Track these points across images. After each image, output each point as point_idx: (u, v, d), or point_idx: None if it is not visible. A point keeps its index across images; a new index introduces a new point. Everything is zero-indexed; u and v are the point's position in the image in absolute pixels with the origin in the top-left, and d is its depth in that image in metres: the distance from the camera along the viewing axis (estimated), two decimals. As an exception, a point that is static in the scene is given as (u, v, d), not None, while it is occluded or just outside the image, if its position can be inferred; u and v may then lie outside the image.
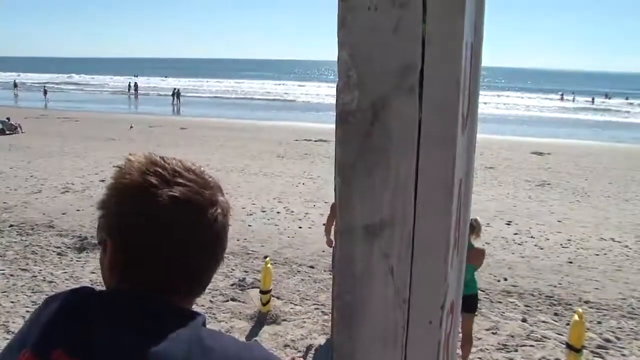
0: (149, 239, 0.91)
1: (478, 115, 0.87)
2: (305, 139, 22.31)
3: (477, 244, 5.00)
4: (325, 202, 11.55)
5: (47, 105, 40.72)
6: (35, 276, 7.19)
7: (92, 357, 0.83)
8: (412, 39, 0.68)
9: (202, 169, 1.03)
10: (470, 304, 4.99)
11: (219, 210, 0.97)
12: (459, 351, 5.03)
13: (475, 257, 4.86)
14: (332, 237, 5.89)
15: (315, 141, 21.88)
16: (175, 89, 49.64)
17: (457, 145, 0.71)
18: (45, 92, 46.64)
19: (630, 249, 9.33)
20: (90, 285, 1.00)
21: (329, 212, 6.22)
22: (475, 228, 4.92)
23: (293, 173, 15.22)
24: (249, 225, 9.47)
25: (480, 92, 0.88)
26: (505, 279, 7.59)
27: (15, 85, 56.34)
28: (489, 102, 51.85)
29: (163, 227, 0.91)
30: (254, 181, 13.95)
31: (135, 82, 62.28)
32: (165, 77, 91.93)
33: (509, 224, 10.30)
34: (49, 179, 13.48)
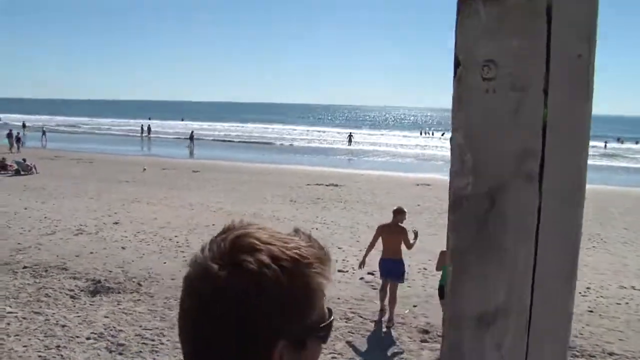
0: None
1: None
2: (316, 184, 22.33)
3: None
4: (339, 248, 11.49)
5: (45, 145, 41.27)
6: (48, 319, 7.13)
7: None
8: (532, 124, 0.66)
9: None
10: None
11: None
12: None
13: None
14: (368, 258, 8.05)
15: (327, 185, 21.90)
16: (191, 131, 50.23)
17: (580, 233, 0.68)
18: (43, 133, 47.00)
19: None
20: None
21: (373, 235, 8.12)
22: None
23: (305, 218, 15.17)
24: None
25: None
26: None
27: (24, 126, 56.91)
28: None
29: None
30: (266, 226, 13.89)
31: (149, 125, 63.02)
32: (182, 119, 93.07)
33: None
34: (63, 221, 13.51)
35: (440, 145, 59.84)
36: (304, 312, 0.82)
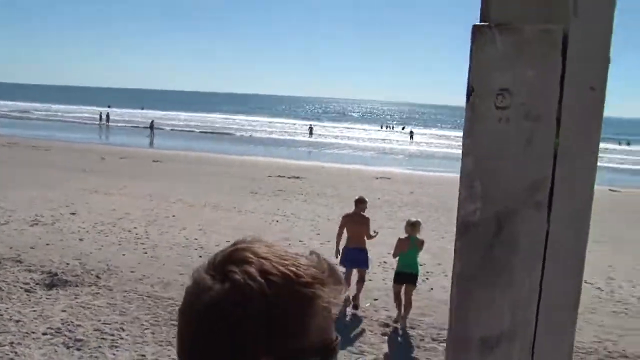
0: None
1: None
2: (278, 175, 22.27)
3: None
4: (300, 241, 11.49)
5: None
6: (1, 315, 6.92)
7: None
8: (544, 153, 0.67)
9: None
10: (413, 280, 7.47)
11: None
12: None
13: (421, 246, 7.65)
14: (340, 247, 8.16)
15: (289, 178, 21.87)
16: (151, 120, 49.40)
17: (584, 260, 0.69)
18: None
19: (602, 290, 9.45)
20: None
21: (339, 225, 8.30)
22: (418, 225, 7.57)
23: (266, 210, 15.12)
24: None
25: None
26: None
27: None
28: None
29: None
30: (227, 217, 13.81)
31: (107, 113, 61.75)
32: (142, 108, 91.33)
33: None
34: (17, 211, 13.12)
35: (400, 139, 60.45)
36: (293, 331, 0.79)
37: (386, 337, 6.98)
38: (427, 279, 9.33)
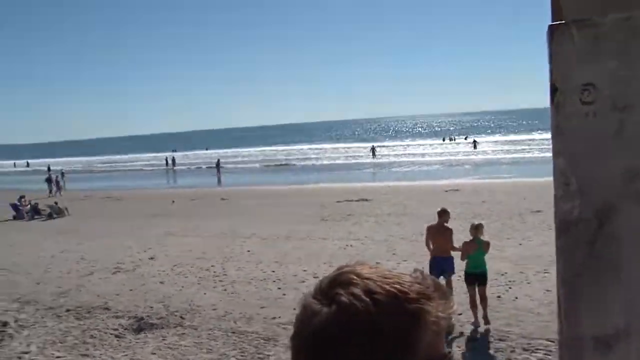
0: None
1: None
2: (346, 200, 22.22)
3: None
4: (377, 263, 11.32)
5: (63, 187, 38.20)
6: (96, 361, 7.13)
7: None
8: (636, 142, 0.65)
9: None
10: (483, 279, 7.83)
11: None
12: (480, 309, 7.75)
13: (487, 247, 8.00)
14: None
15: (357, 201, 21.80)
16: (217, 159, 50.55)
17: None
18: (62, 175, 43.01)
19: None
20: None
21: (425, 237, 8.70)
22: (481, 227, 7.95)
23: (339, 236, 15.08)
24: (303, 292, 9.25)
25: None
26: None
27: (49, 169, 56.95)
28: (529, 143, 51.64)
29: None
30: (301, 247, 13.85)
31: (173, 157, 63.73)
32: (207, 148, 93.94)
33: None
34: (100, 260, 13.63)
35: (464, 150, 59.42)
36: (402, 348, 0.78)
37: (475, 352, 6.74)
38: (510, 288, 9.03)
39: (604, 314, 0.67)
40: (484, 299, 7.85)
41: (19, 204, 25.13)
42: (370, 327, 0.77)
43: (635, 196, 0.65)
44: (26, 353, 7.52)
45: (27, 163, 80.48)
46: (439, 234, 8.47)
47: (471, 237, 7.98)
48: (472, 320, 7.69)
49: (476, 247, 7.86)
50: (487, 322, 7.58)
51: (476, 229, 7.93)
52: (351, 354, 0.77)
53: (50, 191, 34.85)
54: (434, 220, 8.70)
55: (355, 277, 0.81)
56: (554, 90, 0.67)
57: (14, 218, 24.30)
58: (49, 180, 36.43)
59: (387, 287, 0.80)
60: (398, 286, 0.80)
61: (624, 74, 0.64)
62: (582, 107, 0.66)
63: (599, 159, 0.66)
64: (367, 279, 0.81)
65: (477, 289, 7.83)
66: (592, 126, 0.66)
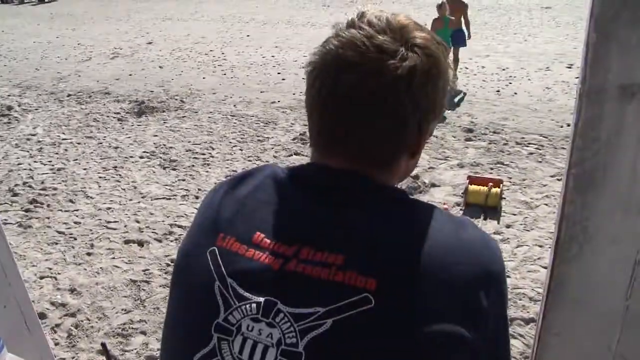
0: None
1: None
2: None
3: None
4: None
5: None
6: (101, 143, 7.34)
7: (354, 250, 0.78)
8: None
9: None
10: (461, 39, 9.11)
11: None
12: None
13: (452, 24, 8.82)
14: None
15: (361, -17, 20.74)
16: None
17: None
18: None
19: None
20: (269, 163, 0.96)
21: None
22: (445, 5, 8.61)
23: (342, 21, 14.54)
24: (303, 78, 9.20)
25: None
26: (568, 125, 7.24)
27: None
28: None
29: None
30: (301, 33, 13.51)
31: None
32: None
33: (569, 67, 9.65)
34: (96, 45, 13.41)
35: None
36: (442, 95, 0.86)
37: (470, 142, 6.87)
38: (510, 83, 8.94)
39: (635, 62, 0.62)
40: (455, 61, 9.06)
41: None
42: (444, 71, 0.85)
43: None
44: (34, 135, 7.72)
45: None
46: (453, 8, 8.93)
47: (438, 15, 8.76)
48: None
49: (443, 23, 8.63)
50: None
51: (440, 7, 8.67)
52: (435, 97, 0.83)
53: None
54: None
55: (413, 22, 0.85)
56: None
57: (2, 2, 23.35)
58: None
59: (435, 36, 0.87)
60: (436, 36, 0.87)
61: None
62: None
63: None
64: (419, 27, 0.86)
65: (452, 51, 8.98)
66: None
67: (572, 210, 0.70)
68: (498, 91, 8.60)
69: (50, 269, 4.45)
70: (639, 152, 0.63)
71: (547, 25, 13.43)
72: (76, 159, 6.82)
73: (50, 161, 6.78)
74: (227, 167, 6.35)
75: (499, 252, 0.81)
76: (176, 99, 8.86)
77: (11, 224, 5.17)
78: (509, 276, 3.94)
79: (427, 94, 0.81)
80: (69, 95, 9.51)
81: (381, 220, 0.79)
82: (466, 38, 9.26)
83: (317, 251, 0.77)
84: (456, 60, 9.15)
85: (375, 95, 0.80)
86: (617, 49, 0.62)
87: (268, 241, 0.81)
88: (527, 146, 6.53)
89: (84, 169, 6.52)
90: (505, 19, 14.37)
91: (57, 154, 7.01)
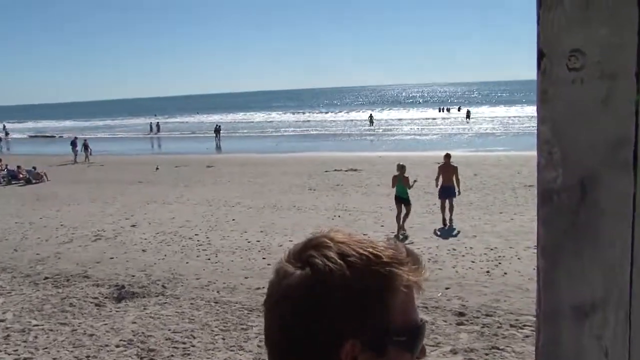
0: None
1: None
2: (335, 169, 22.02)
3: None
4: (364, 234, 11.12)
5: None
6: (75, 330, 6.99)
7: None
8: (623, 112, 0.64)
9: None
10: (406, 201, 11.85)
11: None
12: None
13: (405, 181, 11.96)
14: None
15: (346, 171, 21.62)
16: (217, 125, 48.34)
17: None
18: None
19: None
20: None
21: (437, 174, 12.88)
22: (404, 168, 12.19)
23: (327, 206, 14.93)
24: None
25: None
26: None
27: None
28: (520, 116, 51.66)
29: None
30: (287, 217, 13.69)
31: (157, 122, 62.76)
32: (197, 113, 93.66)
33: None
34: (80, 227, 13.39)
35: (458, 120, 59.00)
36: (375, 312, 0.79)
37: (462, 327, 6.60)
38: (499, 263, 8.96)
39: (584, 284, 0.68)
40: (406, 214, 11.85)
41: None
42: (343, 289, 0.78)
43: (619, 165, 0.65)
44: (2, 321, 7.31)
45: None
46: (446, 170, 12.48)
47: (397, 173, 12.02)
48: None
49: (397, 180, 11.94)
50: (402, 229, 11.64)
51: (401, 168, 12.07)
52: (324, 315, 0.78)
53: (76, 156, 31.86)
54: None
55: (329, 241, 0.82)
56: (541, 55, 0.66)
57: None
58: (73, 144, 32.61)
59: (361, 250, 0.81)
60: (371, 250, 0.81)
61: (613, 41, 0.63)
62: (569, 74, 0.66)
63: (585, 127, 0.66)
64: (341, 242, 0.82)
65: (402, 207, 11.75)
66: (579, 94, 0.66)
67: None
68: (488, 272, 8.54)
69: None
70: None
71: (532, 203, 13.75)
72: (46, 348, 6.44)
73: (16, 350, 6.33)
74: (209, 358, 5.97)
75: None
76: (158, 284, 8.61)
77: None
78: None
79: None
80: (45, 278, 9.24)
81: None
82: (456, 193, 12.43)
83: None
84: (451, 208, 12.24)
85: (267, 323, 0.86)
86: (564, 275, 0.69)
87: None
88: (522, 328, 6.30)
89: (53, 359, 6.05)
90: (491, 198, 14.79)
91: (25, 342, 6.61)
